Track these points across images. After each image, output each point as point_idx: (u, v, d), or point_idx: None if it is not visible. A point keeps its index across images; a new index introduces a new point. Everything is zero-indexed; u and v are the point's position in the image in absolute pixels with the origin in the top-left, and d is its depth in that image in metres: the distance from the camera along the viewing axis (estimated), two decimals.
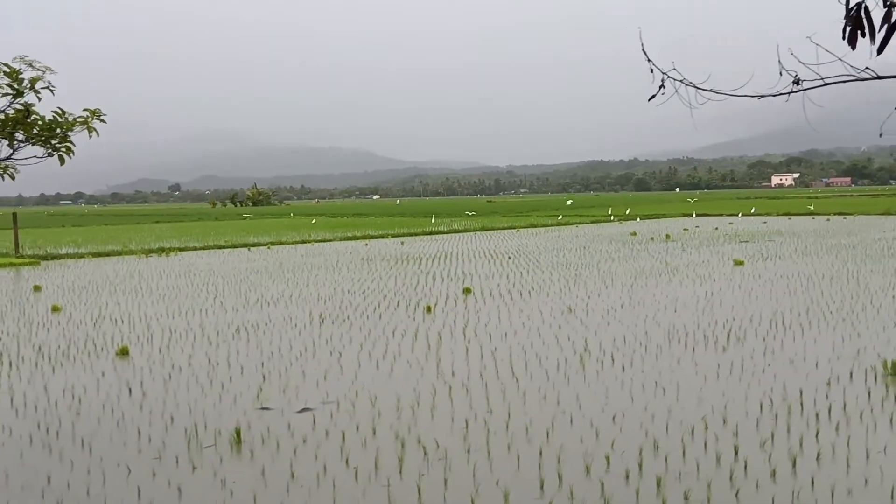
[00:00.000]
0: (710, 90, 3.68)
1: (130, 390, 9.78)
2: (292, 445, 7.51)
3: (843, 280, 18.50)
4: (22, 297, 19.43)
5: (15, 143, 7.68)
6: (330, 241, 39.16)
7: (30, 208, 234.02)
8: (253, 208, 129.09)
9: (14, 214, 33.97)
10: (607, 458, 6.91)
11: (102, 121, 7.65)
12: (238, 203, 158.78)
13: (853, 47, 3.48)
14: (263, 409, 8.82)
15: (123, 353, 12.02)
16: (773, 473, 6.52)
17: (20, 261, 29.42)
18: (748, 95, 3.72)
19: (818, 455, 6.90)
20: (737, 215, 55.78)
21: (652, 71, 3.70)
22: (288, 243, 37.80)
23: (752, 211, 58.35)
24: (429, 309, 15.56)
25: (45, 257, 31.34)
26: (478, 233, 43.79)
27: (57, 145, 7.43)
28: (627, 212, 63.07)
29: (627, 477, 6.51)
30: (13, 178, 8.05)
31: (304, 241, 38.55)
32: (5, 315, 16.49)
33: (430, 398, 9.05)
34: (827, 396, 8.69)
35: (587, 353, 11.26)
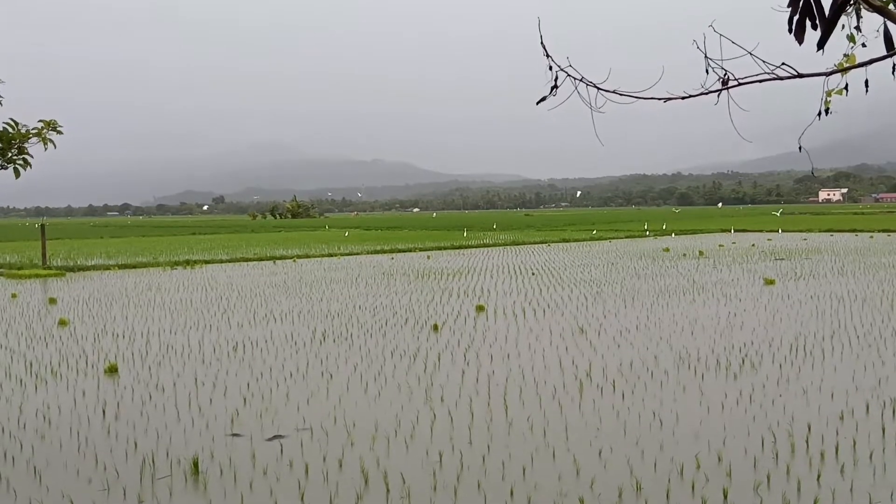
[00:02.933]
0: (614, 91, 3.16)
1: (104, 412, 9.42)
2: (249, 478, 7.05)
3: (876, 302, 17.58)
4: (34, 310, 19.34)
5: None
6: (357, 254, 38.86)
7: (77, 219, 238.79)
8: (290, 220, 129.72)
9: (42, 226, 34.21)
10: (581, 501, 6.33)
11: (59, 132, 7.31)
12: (277, 215, 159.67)
13: (800, 41, 2.93)
14: (233, 435, 8.39)
15: (112, 370, 11.71)
16: None
17: (45, 272, 29.55)
18: (655, 98, 3.19)
19: (815, 502, 6.24)
20: (776, 231, 54.38)
21: (551, 68, 3.20)
22: (315, 256, 37.58)
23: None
24: (436, 327, 15.06)
25: (72, 268, 31.46)
26: (508, 247, 43.16)
27: (13, 157, 7.11)
28: (664, 227, 61.91)
29: None
30: None
31: (331, 255, 38.30)
32: (10, 328, 16.35)
33: (411, 427, 8.54)
34: (837, 432, 7.99)
35: (588, 378, 10.65)
